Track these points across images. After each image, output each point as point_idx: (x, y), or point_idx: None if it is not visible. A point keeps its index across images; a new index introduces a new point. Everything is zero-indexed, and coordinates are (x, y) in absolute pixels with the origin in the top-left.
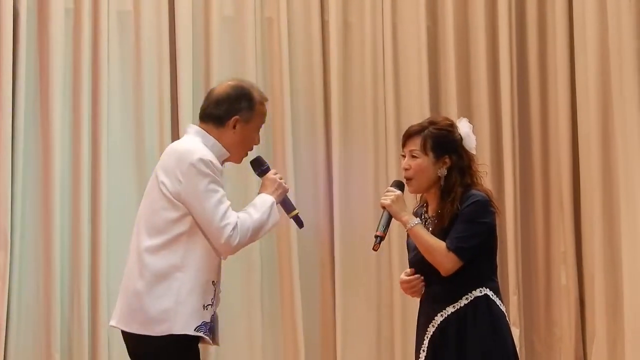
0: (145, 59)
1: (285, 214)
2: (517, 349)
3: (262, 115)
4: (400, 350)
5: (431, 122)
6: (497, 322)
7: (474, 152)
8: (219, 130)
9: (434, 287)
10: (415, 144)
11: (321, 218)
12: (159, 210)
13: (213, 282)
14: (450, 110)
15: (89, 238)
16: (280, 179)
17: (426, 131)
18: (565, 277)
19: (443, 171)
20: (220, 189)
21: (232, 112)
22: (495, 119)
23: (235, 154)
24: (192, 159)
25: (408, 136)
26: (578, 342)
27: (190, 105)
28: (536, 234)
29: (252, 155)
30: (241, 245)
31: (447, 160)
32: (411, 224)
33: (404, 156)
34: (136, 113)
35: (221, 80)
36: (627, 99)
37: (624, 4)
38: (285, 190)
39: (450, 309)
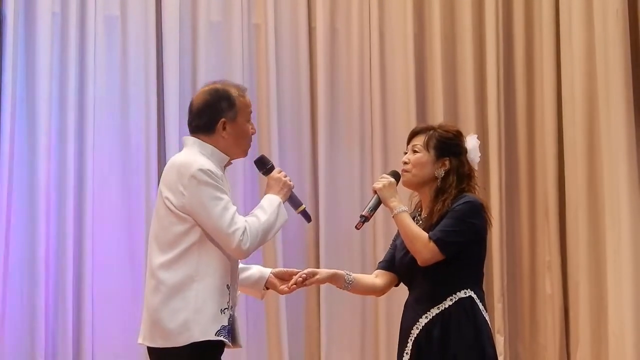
0: (132, 63)
1: (293, 210)
2: (502, 357)
3: (247, 107)
4: (385, 358)
5: (440, 126)
6: (479, 328)
7: (476, 167)
8: (212, 137)
9: (419, 289)
10: (419, 141)
11: (306, 224)
12: (168, 225)
13: (227, 285)
14: (437, 116)
15: (74, 241)
16: (285, 177)
17: (432, 131)
18: (550, 285)
19: (440, 172)
20: (224, 196)
21: (216, 117)
22: (482, 126)
23: (236, 152)
24: (191, 171)
25: (414, 134)
26: (562, 350)
27: (176, 110)
28: (521, 242)
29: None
30: (253, 248)
31: (447, 162)
32: (397, 210)
33: (406, 154)
34: (122, 118)
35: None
36: (612, 110)
37: (610, 13)
38: (291, 188)
39: (435, 310)
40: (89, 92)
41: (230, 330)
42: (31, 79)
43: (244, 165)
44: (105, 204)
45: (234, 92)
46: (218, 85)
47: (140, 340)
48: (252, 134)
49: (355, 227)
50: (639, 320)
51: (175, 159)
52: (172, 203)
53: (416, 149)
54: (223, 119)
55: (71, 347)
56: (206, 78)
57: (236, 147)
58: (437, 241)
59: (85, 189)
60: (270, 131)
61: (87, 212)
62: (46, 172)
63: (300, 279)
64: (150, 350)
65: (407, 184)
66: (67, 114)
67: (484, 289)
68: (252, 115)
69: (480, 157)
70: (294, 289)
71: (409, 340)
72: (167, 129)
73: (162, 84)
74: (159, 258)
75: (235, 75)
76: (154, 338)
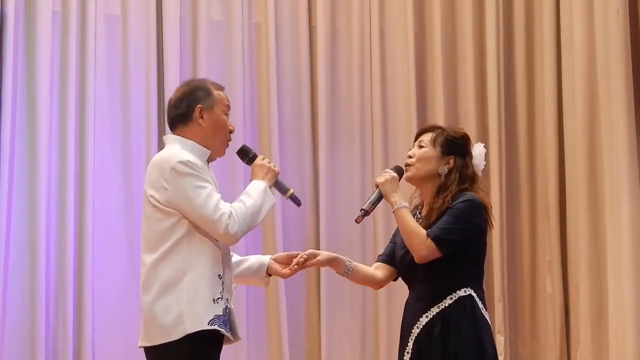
0: (132, 63)
1: (282, 197)
2: (502, 356)
3: (223, 101)
4: (385, 356)
5: (449, 127)
6: (479, 326)
7: (479, 173)
8: (189, 127)
9: (418, 287)
10: (427, 137)
11: (307, 222)
12: (155, 223)
13: (219, 275)
14: (437, 116)
15: (74, 242)
16: (269, 163)
17: (441, 130)
18: (550, 285)
19: (444, 169)
20: (207, 184)
21: (192, 104)
22: (482, 126)
23: (215, 145)
24: (171, 164)
25: (421, 132)
26: (563, 350)
27: None
28: (522, 242)
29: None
30: (241, 232)
31: (452, 161)
32: (398, 205)
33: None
34: (123, 117)
35: None
36: (613, 109)
37: (611, 13)
38: (276, 174)
39: (435, 309)
40: (89, 92)
41: (227, 321)
42: (31, 78)
43: (244, 165)
44: (106, 204)
45: (210, 85)
46: (195, 79)
47: (139, 344)
48: (231, 132)
49: (355, 220)
50: None
51: (156, 157)
52: (156, 200)
53: (422, 144)
54: (200, 106)
55: (71, 348)
56: (207, 76)
57: (214, 138)
58: (435, 238)
59: (85, 188)
60: (271, 130)
61: (88, 212)
62: (46, 172)
63: (302, 259)
64: (147, 350)
65: (410, 178)
66: (67, 114)
67: (484, 288)
68: (227, 103)
69: (484, 165)
70: (296, 270)
71: (410, 339)
72: (167, 129)
73: (163, 84)
74: (149, 257)
75: (235, 74)
76: (150, 336)
